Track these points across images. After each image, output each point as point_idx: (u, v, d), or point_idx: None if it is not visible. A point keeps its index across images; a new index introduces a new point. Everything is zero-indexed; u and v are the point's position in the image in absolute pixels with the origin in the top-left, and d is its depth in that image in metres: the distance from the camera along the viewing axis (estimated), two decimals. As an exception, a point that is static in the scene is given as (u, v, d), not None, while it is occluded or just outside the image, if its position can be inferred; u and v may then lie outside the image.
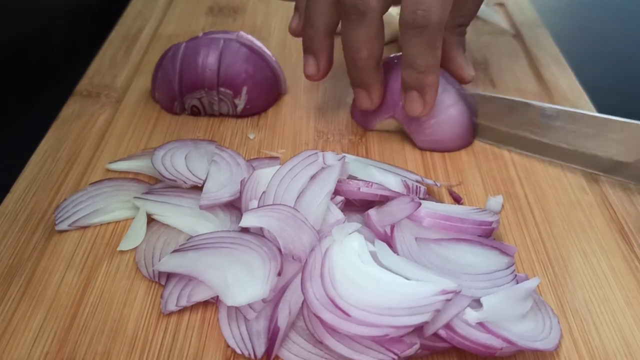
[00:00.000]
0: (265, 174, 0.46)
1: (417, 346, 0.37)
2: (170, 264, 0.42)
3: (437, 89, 0.52)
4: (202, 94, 0.58)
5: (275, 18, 0.79)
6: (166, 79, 0.59)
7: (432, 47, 0.50)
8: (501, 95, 0.57)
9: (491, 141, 0.57)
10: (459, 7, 0.55)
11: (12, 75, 0.66)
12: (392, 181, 0.48)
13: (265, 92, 0.61)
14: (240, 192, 0.46)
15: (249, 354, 0.38)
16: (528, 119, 0.55)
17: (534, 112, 0.54)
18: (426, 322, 0.37)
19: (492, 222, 0.45)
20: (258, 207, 0.43)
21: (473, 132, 0.58)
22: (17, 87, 0.68)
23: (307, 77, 0.56)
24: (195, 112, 0.60)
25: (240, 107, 0.59)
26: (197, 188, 0.48)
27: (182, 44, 0.59)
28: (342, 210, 0.44)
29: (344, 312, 0.37)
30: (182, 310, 0.41)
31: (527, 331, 0.39)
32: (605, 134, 0.52)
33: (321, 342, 0.38)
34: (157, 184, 0.50)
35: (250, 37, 0.61)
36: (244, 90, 0.58)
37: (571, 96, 0.65)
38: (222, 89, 0.58)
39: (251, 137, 0.57)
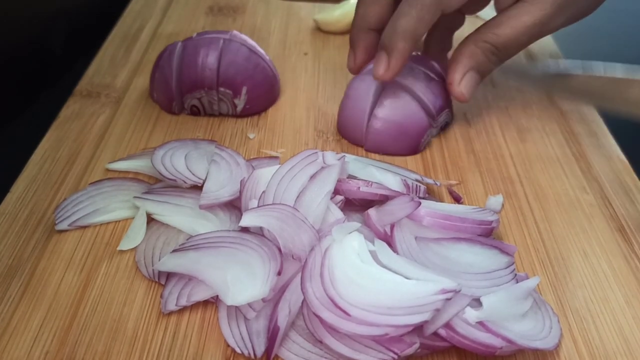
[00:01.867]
0: (265, 173, 0.46)
1: (417, 345, 0.37)
2: (170, 263, 0.42)
3: (405, 58, 0.53)
4: (202, 94, 0.58)
5: (275, 18, 0.79)
6: (163, 79, 0.59)
7: (420, 16, 0.51)
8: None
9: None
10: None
11: (13, 75, 0.66)
12: (391, 180, 0.48)
13: (264, 92, 0.61)
14: (240, 192, 0.46)
15: (249, 354, 0.38)
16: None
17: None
18: (426, 322, 0.37)
19: (492, 222, 0.45)
20: (258, 206, 0.43)
21: (421, 141, 0.56)
22: (17, 87, 0.68)
23: (349, 69, 0.59)
24: (195, 111, 0.60)
25: (239, 107, 0.59)
26: (197, 188, 0.48)
27: (178, 44, 0.59)
28: (342, 210, 0.44)
29: (343, 311, 0.37)
30: (182, 310, 0.41)
31: (527, 330, 0.39)
32: None
33: (321, 342, 0.38)
34: (157, 184, 0.50)
35: (243, 36, 0.61)
36: (244, 90, 0.58)
37: (571, 96, 0.65)
38: (221, 89, 0.58)
39: (251, 137, 0.57)
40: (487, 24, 0.54)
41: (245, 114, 0.60)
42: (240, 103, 0.59)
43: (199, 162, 0.50)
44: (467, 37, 0.55)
